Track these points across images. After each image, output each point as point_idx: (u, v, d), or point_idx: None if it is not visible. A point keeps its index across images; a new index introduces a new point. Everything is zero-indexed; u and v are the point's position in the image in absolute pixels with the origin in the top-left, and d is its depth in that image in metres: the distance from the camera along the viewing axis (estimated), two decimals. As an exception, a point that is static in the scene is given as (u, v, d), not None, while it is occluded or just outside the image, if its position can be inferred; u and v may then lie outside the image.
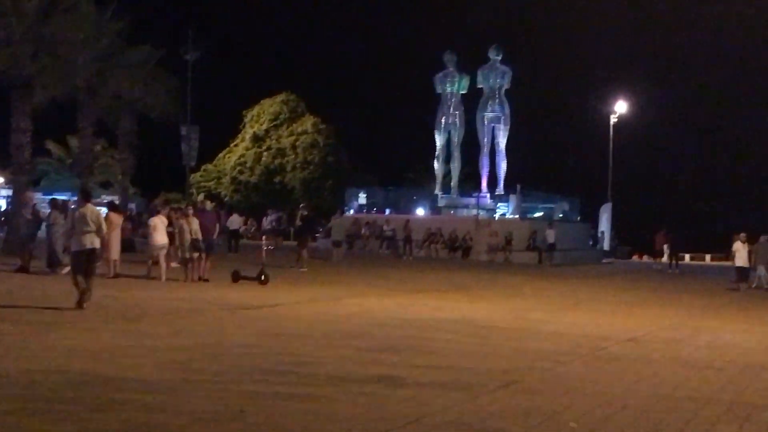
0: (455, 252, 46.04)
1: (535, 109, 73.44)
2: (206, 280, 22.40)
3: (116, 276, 22.03)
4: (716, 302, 24.94)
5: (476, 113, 52.97)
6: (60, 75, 30.48)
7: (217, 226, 24.20)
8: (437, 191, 54.11)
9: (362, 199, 54.42)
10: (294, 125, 71.53)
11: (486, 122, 52.66)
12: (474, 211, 49.54)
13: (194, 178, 70.20)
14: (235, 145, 72.99)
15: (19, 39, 28.86)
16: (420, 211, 52.28)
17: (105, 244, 22.96)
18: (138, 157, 61.13)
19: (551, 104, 79.25)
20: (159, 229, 22.88)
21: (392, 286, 24.47)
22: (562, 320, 17.64)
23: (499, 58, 52.58)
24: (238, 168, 71.67)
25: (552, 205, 54.68)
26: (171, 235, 23.21)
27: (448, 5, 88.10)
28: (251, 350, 11.44)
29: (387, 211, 51.45)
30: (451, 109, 54.03)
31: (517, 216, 49.03)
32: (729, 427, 8.17)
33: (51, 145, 66.68)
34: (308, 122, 71.36)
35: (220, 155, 73.31)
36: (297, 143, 70.73)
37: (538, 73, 73.83)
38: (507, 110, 52.82)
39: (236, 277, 22.72)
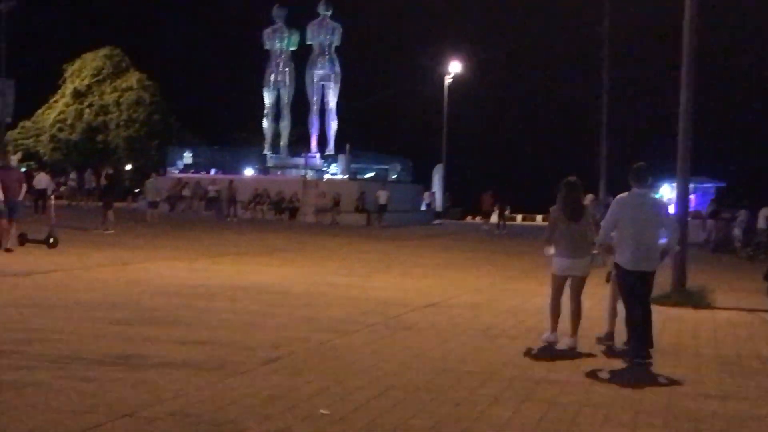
0: (282, 213, 44.67)
1: (367, 67, 72.40)
2: (9, 250, 19.24)
3: None
4: (537, 264, 24.42)
5: (305, 71, 51.43)
6: None
7: (23, 186, 20.64)
8: (266, 151, 52.37)
9: (187, 158, 52.22)
10: (118, 81, 68.19)
11: (315, 80, 51.22)
12: (303, 172, 48.23)
13: (11, 135, 66.13)
14: (55, 101, 69.03)
15: None
16: (248, 172, 50.51)
17: None
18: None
19: (383, 63, 78.40)
20: None
21: (199, 250, 22.90)
22: (369, 285, 16.57)
23: (329, 13, 51.10)
24: (58, 125, 67.85)
25: (386, 167, 53.91)
26: None
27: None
28: (-19, 326, 9.80)
29: (213, 171, 49.49)
30: (281, 66, 52.33)
31: (346, 177, 47.93)
32: (505, 409, 7.13)
33: None
34: (133, 78, 68.14)
35: (39, 111, 69.23)
36: (121, 100, 67.48)
37: (370, 30, 72.60)
38: (337, 68, 51.50)
39: (23, 240, 20.72)
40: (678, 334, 11.85)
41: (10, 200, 19.46)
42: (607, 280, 10.54)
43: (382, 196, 44.05)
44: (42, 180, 37.58)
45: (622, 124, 46.35)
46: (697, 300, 15.13)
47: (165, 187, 44.82)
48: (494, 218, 43.84)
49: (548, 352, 9.91)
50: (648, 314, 9.53)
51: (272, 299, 13.54)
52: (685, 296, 15.32)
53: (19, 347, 8.70)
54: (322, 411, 6.74)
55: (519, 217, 63.31)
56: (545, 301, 10.72)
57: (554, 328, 10.22)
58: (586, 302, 10.73)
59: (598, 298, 12.45)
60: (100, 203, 30.71)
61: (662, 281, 13.49)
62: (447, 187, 60.62)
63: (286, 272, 18.22)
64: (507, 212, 44.98)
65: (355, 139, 51.86)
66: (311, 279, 17.07)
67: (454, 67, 60.19)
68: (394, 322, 11.75)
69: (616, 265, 9.61)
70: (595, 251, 10.09)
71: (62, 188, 46.01)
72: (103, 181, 31.21)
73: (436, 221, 54.32)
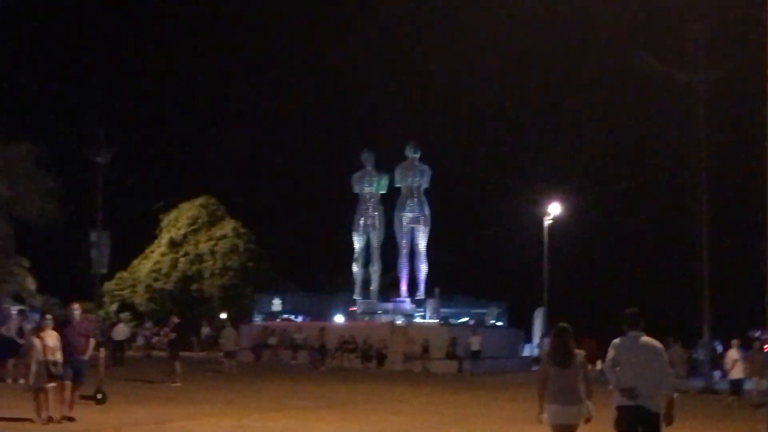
0: (369, 361, 42.86)
1: (459, 210, 71.22)
2: (71, 419, 16.02)
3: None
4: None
5: (394, 214, 50.53)
6: None
7: (90, 340, 16.72)
8: (356, 296, 51.13)
9: (276, 305, 51.38)
10: (213, 229, 68.49)
11: (404, 223, 50.18)
12: (392, 317, 46.66)
13: (107, 286, 66.64)
14: (151, 251, 69.58)
15: None
16: (339, 318, 49.24)
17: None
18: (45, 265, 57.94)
19: (475, 205, 77.11)
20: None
21: (257, 404, 21.30)
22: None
23: (417, 156, 50.42)
24: (153, 275, 68.11)
25: (484, 310, 52.04)
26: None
27: (366, 104, 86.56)
28: None
29: (299, 318, 48.37)
30: (370, 209, 51.60)
31: (435, 321, 46.10)
32: None
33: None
34: (228, 226, 68.34)
35: (135, 261, 69.78)
36: (216, 248, 67.54)
37: (459, 172, 71.90)
38: (427, 210, 50.43)
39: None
40: None
41: (72, 361, 16.06)
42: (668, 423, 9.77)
43: (475, 342, 41.78)
44: (121, 331, 36.95)
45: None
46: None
47: (250, 336, 43.80)
48: (599, 365, 41.14)
49: None
50: None
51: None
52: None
53: None
54: None
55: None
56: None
57: None
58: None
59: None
60: (168, 354, 29.57)
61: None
62: (547, 331, 58.02)
63: (339, 428, 16.44)
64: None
65: (448, 283, 50.30)
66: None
67: (554, 209, 58.21)
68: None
69: (617, 409, 9.49)
70: (588, 401, 9.90)
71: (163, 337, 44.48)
72: (169, 332, 30.10)
73: (535, 368, 51.65)
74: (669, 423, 9.75)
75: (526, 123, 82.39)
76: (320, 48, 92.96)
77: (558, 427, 9.92)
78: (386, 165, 51.74)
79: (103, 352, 22.21)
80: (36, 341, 15.82)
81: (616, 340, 9.71)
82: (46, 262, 63.71)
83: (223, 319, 51.14)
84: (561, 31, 77.48)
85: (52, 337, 15.83)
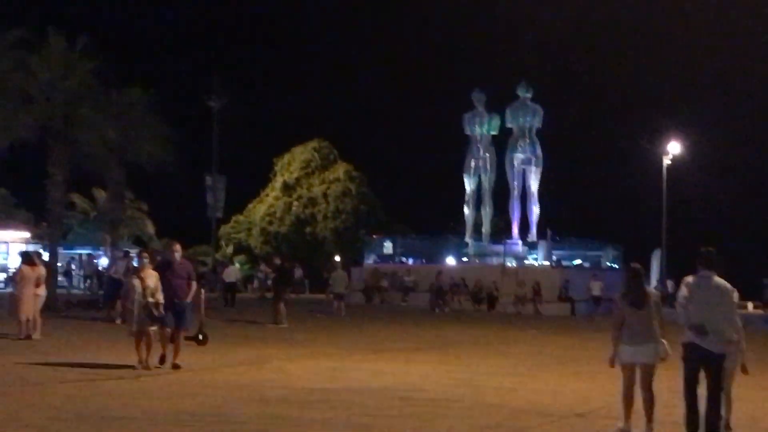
0: (480, 304, 42.48)
1: (572, 150, 69.68)
2: (176, 366, 14.84)
3: (27, 337, 19.08)
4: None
5: (505, 155, 49.70)
6: (10, 119, 28.17)
7: (192, 283, 15.54)
8: (467, 239, 50.69)
9: (388, 248, 51.37)
10: (326, 173, 68.82)
11: (516, 164, 49.34)
12: (503, 260, 46.13)
13: (224, 229, 67.82)
14: (266, 195, 70.42)
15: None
16: (450, 260, 48.94)
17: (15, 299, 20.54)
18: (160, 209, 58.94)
19: (590, 145, 75.35)
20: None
21: (360, 346, 21.13)
22: (524, 387, 14.27)
23: (529, 95, 49.34)
24: (268, 218, 68.99)
25: (599, 253, 50.85)
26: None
27: (477, 42, 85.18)
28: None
29: (410, 261, 48.27)
30: (481, 151, 50.90)
31: (547, 263, 45.34)
32: None
33: (76, 198, 64.81)
34: (340, 170, 68.54)
35: (250, 205, 70.78)
36: (328, 192, 67.91)
37: (573, 111, 70.14)
38: (538, 151, 49.47)
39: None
40: None
41: (174, 305, 14.96)
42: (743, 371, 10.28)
43: (595, 287, 39.13)
44: (231, 272, 37.39)
45: None
46: None
47: (361, 278, 43.95)
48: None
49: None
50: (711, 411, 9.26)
51: (384, 405, 11.55)
52: None
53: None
54: None
55: (749, 305, 57.91)
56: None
57: (627, 417, 10.04)
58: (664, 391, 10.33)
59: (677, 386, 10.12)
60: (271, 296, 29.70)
61: None
62: (667, 274, 56.38)
63: (437, 371, 16.13)
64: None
65: (561, 226, 49.39)
66: (457, 379, 14.92)
67: (673, 148, 56.18)
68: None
69: (683, 345, 9.52)
70: (663, 340, 9.93)
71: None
72: (270, 273, 30.16)
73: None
74: (744, 372, 10.30)
75: (642, 57, 79.96)
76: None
77: (635, 366, 10.01)
78: (497, 105, 50.90)
79: (203, 293, 22.14)
80: (135, 282, 14.70)
81: (689, 278, 9.62)
82: (162, 207, 65.39)
83: (336, 262, 51.40)
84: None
85: (152, 278, 14.68)
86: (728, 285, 9.56)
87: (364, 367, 16.43)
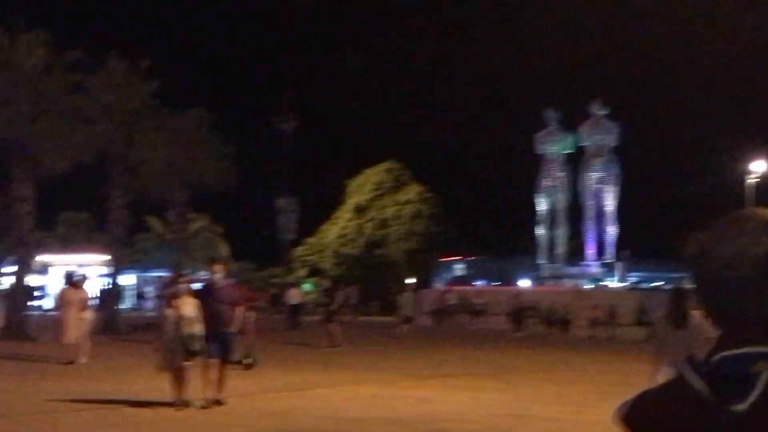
0: (552, 327, 41.02)
1: (651, 168, 67.72)
2: (218, 403, 13.33)
3: (70, 363, 18.55)
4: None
5: (580, 174, 48.31)
6: (64, 139, 27.99)
7: (237, 309, 13.95)
8: (540, 260, 49.32)
9: (459, 270, 50.29)
10: (397, 195, 68.04)
11: (591, 183, 47.87)
12: (577, 282, 44.66)
13: (296, 252, 67.49)
14: (338, 217, 69.99)
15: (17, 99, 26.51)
16: (523, 282, 47.67)
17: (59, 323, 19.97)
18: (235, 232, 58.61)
19: (670, 163, 73.18)
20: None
21: (411, 371, 20.15)
22: (573, 418, 13.16)
23: (604, 113, 47.89)
24: (340, 240, 68.47)
25: (682, 274, 48.91)
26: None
27: (549, 61, 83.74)
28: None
29: (481, 283, 47.12)
30: (555, 170, 49.56)
31: (623, 285, 43.72)
32: None
33: (152, 221, 65.25)
34: (412, 191, 67.70)
35: (323, 227, 70.41)
36: (400, 213, 67.10)
37: (651, 129, 68.18)
38: (615, 169, 47.90)
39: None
40: None
41: (217, 332, 13.30)
42: None
43: None
44: (294, 294, 36.79)
45: None
46: None
47: (430, 300, 42.94)
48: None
49: None
50: None
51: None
52: None
53: None
54: None
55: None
56: None
57: None
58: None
59: None
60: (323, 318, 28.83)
61: None
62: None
63: (486, 399, 15.09)
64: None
65: (641, 246, 47.68)
66: (507, 408, 13.87)
67: (757, 167, 53.89)
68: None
69: None
70: None
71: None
72: (320, 296, 29.48)
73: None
74: None
75: (723, 73, 77.69)
76: (503, 6, 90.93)
77: None
78: (570, 124, 49.53)
79: (252, 316, 21.09)
80: (168, 312, 13.16)
81: None
82: (237, 230, 65.37)
83: (407, 284, 50.48)
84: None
85: (189, 306, 13.03)
86: None
87: (409, 394, 15.47)
